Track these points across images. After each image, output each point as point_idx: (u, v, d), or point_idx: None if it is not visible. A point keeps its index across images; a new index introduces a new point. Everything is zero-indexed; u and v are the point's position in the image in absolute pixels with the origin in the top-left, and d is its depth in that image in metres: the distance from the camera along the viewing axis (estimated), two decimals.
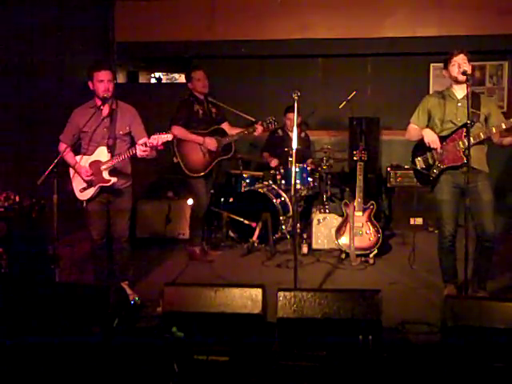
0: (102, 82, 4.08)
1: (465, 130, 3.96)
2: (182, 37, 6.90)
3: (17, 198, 4.12)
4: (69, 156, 4.15)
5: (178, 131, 5.18)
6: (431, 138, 4.09)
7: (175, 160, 5.29)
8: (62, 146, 4.20)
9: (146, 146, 3.95)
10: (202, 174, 5.30)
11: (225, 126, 5.49)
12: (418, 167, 4.27)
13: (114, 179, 4.11)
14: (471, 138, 3.89)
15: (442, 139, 4.09)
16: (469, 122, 3.69)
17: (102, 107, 4.11)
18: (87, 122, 4.04)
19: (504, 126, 3.87)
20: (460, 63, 3.98)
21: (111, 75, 4.15)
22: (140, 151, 3.97)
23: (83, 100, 4.28)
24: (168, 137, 3.96)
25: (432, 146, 4.10)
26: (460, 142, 4.00)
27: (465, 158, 3.95)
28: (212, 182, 5.62)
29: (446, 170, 4.12)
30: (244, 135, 5.43)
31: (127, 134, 4.23)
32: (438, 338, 3.32)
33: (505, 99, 6.91)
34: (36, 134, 5.13)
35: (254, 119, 5.45)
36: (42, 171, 3.68)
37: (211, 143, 5.26)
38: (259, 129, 5.35)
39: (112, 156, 4.10)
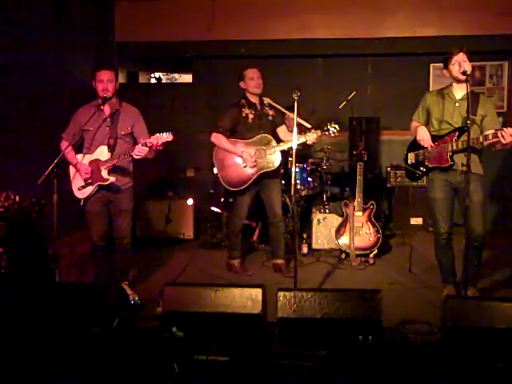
0: (102, 81, 4.11)
1: (457, 133, 3.97)
2: (182, 37, 6.88)
3: (17, 198, 4.13)
4: (70, 155, 4.18)
5: (216, 139, 4.84)
6: (422, 136, 4.12)
7: (215, 171, 4.97)
8: (64, 145, 4.20)
9: (145, 145, 3.97)
10: (242, 188, 4.86)
11: (282, 130, 5.07)
12: (409, 162, 4.31)
13: (112, 178, 4.12)
14: (460, 144, 3.90)
15: (435, 139, 4.10)
16: (469, 122, 3.68)
17: (102, 107, 4.12)
18: (88, 120, 4.06)
19: (481, 140, 3.87)
20: (460, 62, 3.97)
21: (112, 75, 4.15)
22: (137, 151, 3.98)
23: (83, 100, 4.29)
24: (168, 137, 3.96)
25: (422, 144, 4.12)
26: (449, 145, 3.99)
27: (450, 161, 3.98)
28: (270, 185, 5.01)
29: (435, 169, 4.13)
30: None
31: (129, 134, 4.25)
32: (438, 338, 3.33)
33: (505, 99, 6.91)
34: (36, 134, 5.12)
35: (309, 126, 4.83)
36: (42, 171, 3.69)
37: (247, 159, 4.78)
38: (311, 138, 4.69)
39: (112, 155, 4.12)
